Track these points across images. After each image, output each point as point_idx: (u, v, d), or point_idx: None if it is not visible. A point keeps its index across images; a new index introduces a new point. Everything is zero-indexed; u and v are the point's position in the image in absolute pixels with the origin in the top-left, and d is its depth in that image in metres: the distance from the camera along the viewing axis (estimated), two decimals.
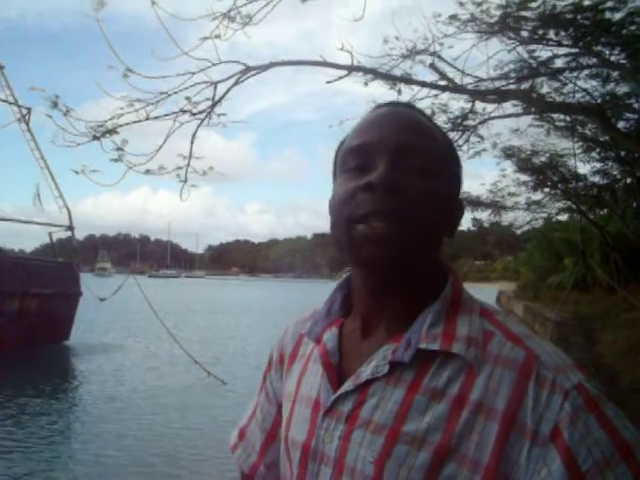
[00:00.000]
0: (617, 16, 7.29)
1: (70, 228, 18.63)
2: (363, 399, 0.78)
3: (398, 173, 0.78)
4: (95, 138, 6.78)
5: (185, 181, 7.02)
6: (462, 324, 0.78)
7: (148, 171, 6.90)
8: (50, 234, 18.60)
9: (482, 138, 10.03)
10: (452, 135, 8.84)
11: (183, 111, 6.82)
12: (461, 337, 0.76)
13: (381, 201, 0.77)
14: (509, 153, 12.29)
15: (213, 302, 39.91)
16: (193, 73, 6.60)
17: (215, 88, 6.84)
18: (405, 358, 0.76)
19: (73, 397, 11.25)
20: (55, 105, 6.53)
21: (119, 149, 6.76)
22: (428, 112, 6.49)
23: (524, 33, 7.99)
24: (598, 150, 12.87)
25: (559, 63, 8.62)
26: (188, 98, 6.75)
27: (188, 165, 7.01)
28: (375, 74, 7.88)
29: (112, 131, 6.75)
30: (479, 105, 9.05)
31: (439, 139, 0.85)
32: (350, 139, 0.86)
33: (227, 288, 71.71)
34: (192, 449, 7.69)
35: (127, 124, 6.84)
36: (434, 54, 8.03)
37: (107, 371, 13.43)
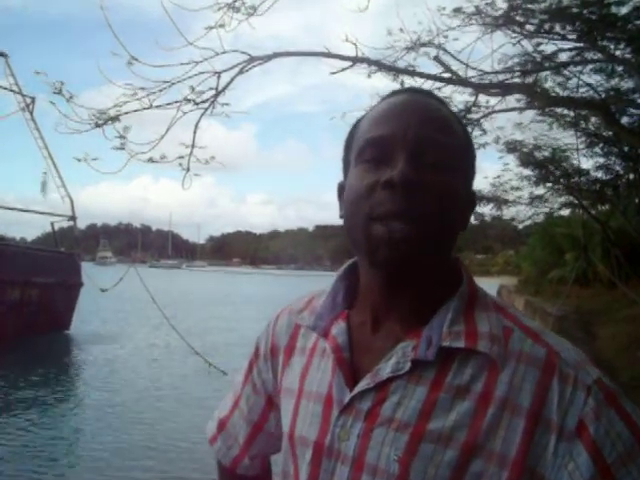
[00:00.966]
0: (623, 10, 7.28)
1: (72, 218, 18.61)
2: (384, 397, 0.77)
3: (418, 170, 0.76)
4: (97, 126, 6.78)
5: (187, 170, 7.02)
6: (481, 321, 0.77)
7: (151, 159, 6.90)
8: (52, 223, 18.60)
9: (485, 131, 10.01)
10: None
11: (187, 100, 6.82)
12: (484, 334, 0.76)
13: (401, 201, 0.75)
14: (512, 147, 12.24)
15: (215, 293, 39.87)
16: (197, 62, 6.61)
17: (219, 78, 6.84)
18: (429, 356, 0.76)
19: (70, 387, 11.28)
20: (59, 91, 6.53)
21: (121, 137, 6.76)
22: None
23: (529, 26, 7.97)
24: (601, 145, 12.83)
25: (564, 57, 8.62)
26: (192, 87, 6.75)
27: (191, 154, 7.01)
28: (379, 66, 7.85)
29: (115, 119, 6.75)
30: (482, 98, 9.03)
31: (459, 132, 0.83)
32: (368, 129, 0.82)
33: (229, 279, 71.66)
34: (187, 440, 7.69)
35: (130, 112, 6.84)
36: (438, 46, 8.01)
37: (105, 361, 13.43)
